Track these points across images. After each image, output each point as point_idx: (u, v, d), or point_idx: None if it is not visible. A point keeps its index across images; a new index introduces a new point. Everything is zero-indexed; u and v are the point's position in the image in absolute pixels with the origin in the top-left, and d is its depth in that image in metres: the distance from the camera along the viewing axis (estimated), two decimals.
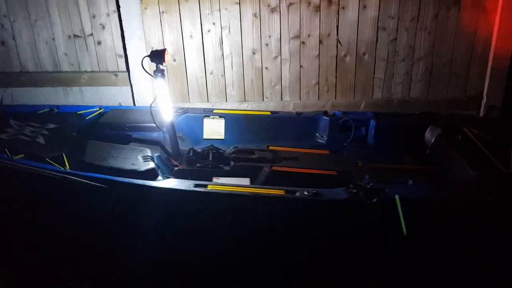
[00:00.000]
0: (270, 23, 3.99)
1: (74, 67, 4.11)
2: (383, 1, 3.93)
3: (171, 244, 2.87)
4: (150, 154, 3.18)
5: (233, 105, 4.23)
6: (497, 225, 2.78)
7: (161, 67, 3.15)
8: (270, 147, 3.72)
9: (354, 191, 2.77)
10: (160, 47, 3.97)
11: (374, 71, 4.14)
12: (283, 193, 2.78)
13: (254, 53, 4.09)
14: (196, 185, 2.83)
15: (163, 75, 3.18)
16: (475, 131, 3.64)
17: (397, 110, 4.23)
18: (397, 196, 2.64)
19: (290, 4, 3.93)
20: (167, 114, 3.32)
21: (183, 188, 2.82)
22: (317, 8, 3.94)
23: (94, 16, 3.94)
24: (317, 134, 3.99)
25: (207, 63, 4.12)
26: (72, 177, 2.80)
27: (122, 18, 3.88)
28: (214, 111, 3.94)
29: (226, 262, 2.88)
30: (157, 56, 3.10)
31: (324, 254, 2.83)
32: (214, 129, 3.89)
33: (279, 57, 4.10)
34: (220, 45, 4.06)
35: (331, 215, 2.79)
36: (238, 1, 3.93)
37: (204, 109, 3.95)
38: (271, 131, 3.94)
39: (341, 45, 4.04)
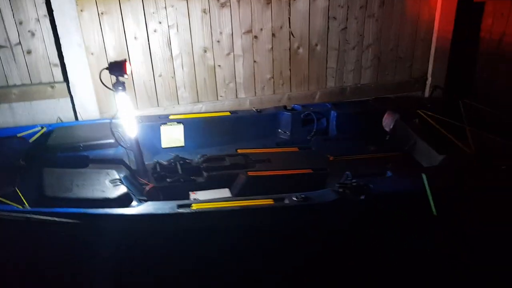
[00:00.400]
0: (221, 19, 3.77)
1: (1, 82, 3.57)
2: None
3: (163, 274, 2.65)
4: (117, 176, 2.88)
5: (186, 107, 3.98)
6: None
7: (121, 79, 2.83)
8: (239, 151, 3.56)
9: (341, 190, 2.73)
10: (101, 52, 3.64)
11: (327, 61, 4.11)
12: (272, 202, 2.68)
13: (205, 51, 3.85)
14: (179, 206, 2.62)
15: (124, 88, 2.86)
16: (429, 112, 3.78)
17: (350, 97, 4.26)
18: (424, 176, 2.67)
19: None
20: (130, 129, 3.02)
21: (166, 211, 2.59)
22: (268, 1, 3.79)
23: (21, 23, 3.42)
24: (280, 130, 3.91)
25: (155, 65, 3.81)
26: (37, 217, 2.45)
27: (56, 23, 3.41)
28: (170, 117, 3.67)
29: (222, 280, 2.73)
30: (117, 68, 2.77)
31: (321, 257, 2.79)
32: (172, 136, 3.63)
33: (232, 54, 3.90)
34: (169, 45, 3.76)
35: (323, 218, 2.74)
36: None
37: (159, 116, 3.67)
38: (233, 132, 3.78)
39: (293, 37, 3.94)
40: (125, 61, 2.77)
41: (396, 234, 2.83)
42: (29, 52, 3.54)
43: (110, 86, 2.87)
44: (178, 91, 3.93)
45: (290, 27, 3.90)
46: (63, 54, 3.51)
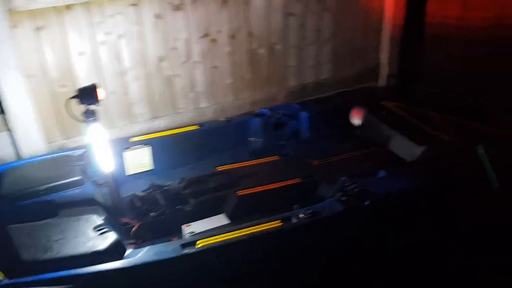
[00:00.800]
0: (176, 23, 3.38)
1: None
2: None
3: None
4: (99, 222, 2.44)
5: (144, 125, 3.55)
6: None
7: (92, 108, 2.38)
8: (219, 169, 3.25)
9: (344, 199, 2.60)
10: (42, 73, 3.09)
11: (287, 59, 3.91)
12: (280, 224, 2.47)
13: (161, 61, 3.44)
14: (183, 246, 2.30)
15: (96, 117, 2.42)
16: (394, 103, 3.77)
17: (312, 94, 4.12)
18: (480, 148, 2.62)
19: None
20: (105, 162, 2.58)
21: (171, 255, 2.26)
22: (225, 1, 3.48)
23: None
24: (251, 138, 3.66)
25: (106, 81, 3.33)
26: None
27: None
28: (131, 139, 3.24)
29: None
30: (87, 95, 2.33)
31: (330, 267, 2.64)
32: (138, 161, 3.21)
33: (190, 61, 3.54)
34: (120, 57, 3.30)
35: (330, 229, 2.59)
36: (135, 2, 3.21)
37: (116, 140, 3.20)
38: (204, 147, 3.46)
39: (252, 37, 3.68)
40: (95, 86, 2.34)
41: (401, 232, 2.77)
42: None
43: (78, 117, 2.41)
44: (134, 107, 3.49)
45: (248, 27, 3.63)
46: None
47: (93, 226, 2.39)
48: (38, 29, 2.98)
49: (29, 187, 2.65)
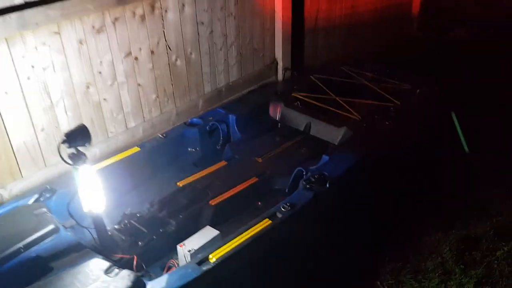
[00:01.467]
0: (99, 46, 3.23)
1: None
2: None
3: None
4: (108, 263, 2.34)
5: None
6: None
7: (82, 149, 2.24)
8: (180, 184, 3.27)
9: (309, 186, 2.95)
10: None
11: (201, 67, 4.02)
12: (270, 222, 2.72)
13: (88, 87, 3.26)
14: (199, 264, 2.39)
15: (86, 157, 2.28)
16: (302, 93, 4.20)
17: (226, 97, 4.31)
18: (453, 113, 3.08)
19: (115, 19, 3.26)
20: (95, 203, 2.44)
21: (194, 275, 2.34)
22: (143, 17, 3.42)
23: None
24: (191, 149, 3.73)
25: (35, 118, 3.04)
26: None
27: None
28: None
29: None
30: (77, 137, 2.19)
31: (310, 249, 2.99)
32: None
33: (116, 82, 3.42)
34: (47, 90, 3.04)
35: (310, 213, 2.93)
36: (57, 30, 2.98)
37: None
38: (149, 167, 3.43)
39: (170, 50, 3.69)
40: (84, 126, 2.21)
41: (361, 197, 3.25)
42: None
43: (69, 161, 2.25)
44: None
45: (166, 40, 3.64)
46: None
47: (103, 270, 2.29)
48: None
49: (5, 248, 2.38)
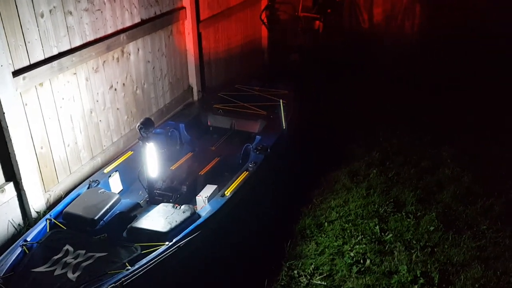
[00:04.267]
0: (96, 82, 4.50)
1: None
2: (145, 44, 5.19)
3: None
4: (170, 204, 3.70)
5: (90, 163, 4.52)
6: None
7: (148, 133, 3.60)
8: (172, 167, 4.61)
9: (259, 152, 4.69)
10: (39, 138, 3.83)
11: (149, 94, 5.42)
12: (248, 172, 4.33)
13: (91, 112, 4.46)
14: (222, 196, 3.90)
15: (149, 139, 3.64)
16: (220, 104, 5.90)
17: (165, 115, 5.74)
18: (281, 101, 4.92)
19: (104, 62, 4.55)
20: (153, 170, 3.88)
21: (222, 202, 3.84)
22: (118, 59, 4.76)
23: None
24: (163, 149, 5.06)
25: (65, 138, 4.15)
26: None
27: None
28: (105, 171, 4.21)
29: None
30: (147, 125, 3.56)
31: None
32: (116, 184, 4.25)
33: (105, 107, 4.67)
34: (70, 116, 4.18)
35: (266, 165, 4.62)
36: (75, 72, 4.16)
37: (97, 174, 4.15)
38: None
39: (133, 82, 5.04)
40: (149, 118, 3.60)
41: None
42: None
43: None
44: (80, 153, 4.39)
45: (130, 75, 4.98)
46: (15, 153, 3.49)
47: (171, 207, 3.62)
48: (26, 105, 3.68)
49: (98, 211, 3.53)
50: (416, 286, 3.57)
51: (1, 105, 3.45)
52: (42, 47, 3.85)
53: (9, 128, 3.52)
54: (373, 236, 4.07)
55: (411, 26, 8.47)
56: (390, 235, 4.09)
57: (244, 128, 5.51)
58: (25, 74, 3.68)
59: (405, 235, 4.10)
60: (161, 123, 5.49)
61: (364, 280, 3.59)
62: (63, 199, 3.93)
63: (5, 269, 2.89)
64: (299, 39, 8.75)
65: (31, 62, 3.77)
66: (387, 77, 7.56)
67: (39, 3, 3.75)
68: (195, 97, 6.40)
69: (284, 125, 5.22)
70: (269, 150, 4.68)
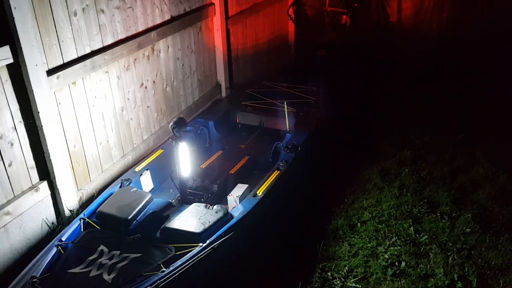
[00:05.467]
0: (128, 80, 4.50)
1: None
2: (174, 41, 5.18)
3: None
4: (202, 204, 3.71)
5: (121, 161, 4.54)
6: None
7: (181, 132, 3.60)
8: (203, 166, 4.60)
9: (289, 151, 4.63)
10: (72, 136, 3.86)
11: (179, 91, 5.41)
12: (279, 172, 4.29)
13: (122, 110, 4.47)
14: (254, 196, 3.86)
15: (182, 139, 3.62)
16: (248, 101, 5.85)
17: (194, 112, 5.73)
18: (285, 102, 4.90)
19: (135, 59, 4.56)
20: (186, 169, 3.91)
21: (255, 202, 3.81)
22: (148, 57, 4.76)
23: (1, 137, 3.17)
24: (193, 147, 5.06)
25: (97, 136, 4.17)
26: None
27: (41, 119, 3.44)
28: (136, 169, 4.23)
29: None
30: (180, 124, 3.54)
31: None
32: (147, 182, 4.26)
33: (136, 105, 4.68)
34: (102, 114, 4.20)
35: (297, 163, 4.58)
36: (107, 70, 4.17)
37: (129, 173, 4.17)
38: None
39: (162, 80, 5.04)
40: (182, 117, 3.57)
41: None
42: (10, 164, 3.32)
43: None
44: (111, 151, 4.43)
45: (160, 73, 4.99)
46: (49, 152, 3.52)
47: (203, 207, 3.61)
48: (59, 103, 3.71)
49: (132, 209, 3.55)
50: None
51: (36, 104, 3.47)
52: (75, 45, 3.87)
53: (43, 127, 3.55)
54: (408, 238, 3.99)
55: (439, 20, 8.27)
56: (425, 236, 4.00)
57: (273, 126, 5.46)
58: (59, 73, 3.70)
59: (441, 236, 4.00)
60: (190, 120, 5.47)
61: (399, 283, 3.51)
62: (95, 197, 3.99)
63: (42, 270, 2.91)
64: (326, 34, 8.63)
65: (65, 61, 3.79)
66: (416, 73, 7.41)
67: (72, 2, 3.76)
68: (223, 94, 6.37)
69: (287, 127, 5.17)
70: (299, 149, 4.62)
